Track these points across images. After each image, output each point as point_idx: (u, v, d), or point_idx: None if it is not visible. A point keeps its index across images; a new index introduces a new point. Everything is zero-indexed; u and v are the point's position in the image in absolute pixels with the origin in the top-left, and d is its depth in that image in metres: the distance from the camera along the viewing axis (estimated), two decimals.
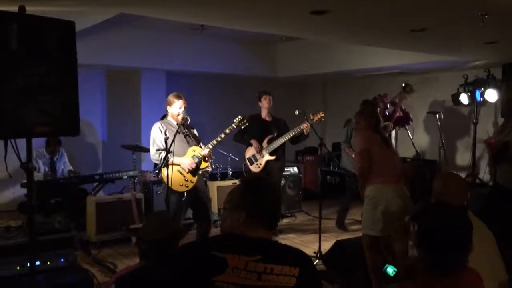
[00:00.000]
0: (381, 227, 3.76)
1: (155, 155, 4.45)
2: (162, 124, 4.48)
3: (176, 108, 4.47)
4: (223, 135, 4.54)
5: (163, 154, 4.33)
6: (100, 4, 3.74)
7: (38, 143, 5.96)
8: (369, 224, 3.88)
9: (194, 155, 4.45)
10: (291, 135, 5.44)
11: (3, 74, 2.35)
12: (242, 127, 4.83)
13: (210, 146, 4.49)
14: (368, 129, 4.08)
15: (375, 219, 3.80)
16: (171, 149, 4.19)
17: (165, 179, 4.28)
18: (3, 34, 2.34)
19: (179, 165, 4.37)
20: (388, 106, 6.38)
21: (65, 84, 2.60)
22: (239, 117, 4.78)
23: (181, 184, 4.40)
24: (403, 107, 6.44)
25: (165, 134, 4.37)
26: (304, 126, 5.27)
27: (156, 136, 4.44)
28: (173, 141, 4.20)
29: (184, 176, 4.41)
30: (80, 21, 4.34)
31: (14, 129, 2.43)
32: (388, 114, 6.31)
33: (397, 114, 6.33)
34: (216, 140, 4.51)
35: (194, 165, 4.40)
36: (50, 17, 2.64)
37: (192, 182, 4.43)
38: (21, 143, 2.50)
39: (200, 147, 4.54)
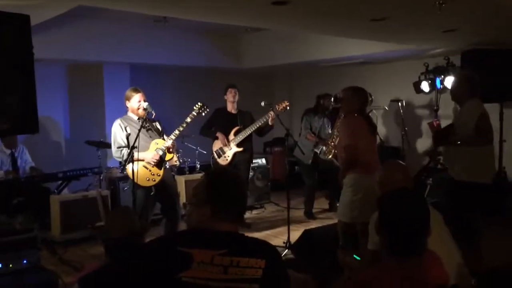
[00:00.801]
0: (356, 214, 3.80)
1: (116, 153, 4.39)
2: (122, 121, 4.42)
3: (135, 102, 4.41)
4: (184, 125, 4.51)
5: (125, 151, 4.30)
6: None
7: None
8: (345, 211, 3.91)
9: (157, 148, 4.41)
10: (258, 125, 5.46)
11: None
12: (203, 113, 4.76)
13: (173, 137, 4.45)
14: (357, 114, 3.94)
15: (352, 207, 3.83)
16: (136, 145, 4.13)
17: (131, 176, 4.22)
18: None
19: (143, 160, 4.31)
20: None
21: (22, 80, 2.53)
22: (199, 103, 4.71)
23: (148, 178, 4.34)
24: None
25: (126, 131, 4.32)
26: (269, 115, 5.29)
27: (117, 133, 4.38)
28: (137, 136, 4.15)
29: (150, 170, 4.36)
30: (37, 15, 4.19)
31: None
32: None
33: None
34: (178, 130, 4.47)
35: (157, 157, 4.35)
36: (2, 11, 2.54)
37: (159, 176, 4.38)
38: None
39: (163, 139, 4.49)
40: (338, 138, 4.80)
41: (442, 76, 6.74)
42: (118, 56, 7.15)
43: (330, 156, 5.92)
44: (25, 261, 3.31)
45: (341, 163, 4.16)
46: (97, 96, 7.64)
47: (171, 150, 4.45)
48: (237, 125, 5.60)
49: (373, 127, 4.09)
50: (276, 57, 8.09)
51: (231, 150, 5.54)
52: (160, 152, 4.39)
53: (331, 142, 5.90)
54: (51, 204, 5.36)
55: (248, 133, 5.51)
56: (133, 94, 4.44)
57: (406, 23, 4.67)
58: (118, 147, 4.36)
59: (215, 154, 5.62)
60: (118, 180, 5.88)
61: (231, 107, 5.72)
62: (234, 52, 8.59)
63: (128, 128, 4.36)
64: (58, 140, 7.84)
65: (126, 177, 5.83)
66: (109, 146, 6.37)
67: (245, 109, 5.88)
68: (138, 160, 4.20)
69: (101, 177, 6.00)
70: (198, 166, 6.82)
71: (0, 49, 2.46)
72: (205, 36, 7.92)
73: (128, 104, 4.47)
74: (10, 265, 3.23)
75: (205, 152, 6.69)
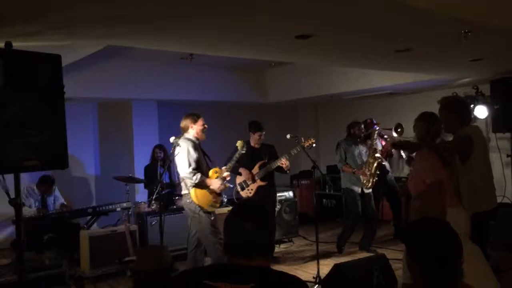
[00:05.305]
0: None
1: (189, 175, 4.27)
2: (191, 142, 4.41)
3: (201, 125, 4.49)
4: (235, 159, 4.71)
5: (199, 175, 4.29)
6: (86, 37, 3.75)
7: (32, 177, 5.93)
8: None
9: (218, 176, 4.45)
10: (278, 163, 5.47)
11: None
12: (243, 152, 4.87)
13: (229, 169, 4.61)
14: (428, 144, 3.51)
15: None
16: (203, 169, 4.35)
17: (196, 200, 4.28)
18: None
19: (208, 186, 4.34)
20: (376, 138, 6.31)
21: (53, 117, 2.59)
22: (240, 142, 4.83)
23: (210, 204, 4.39)
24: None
25: (196, 153, 4.39)
26: (282, 161, 5.35)
27: (191, 153, 4.32)
28: (205, 157, 4.40)
29: (214, 198, 4.42)
30: (68, 55, 4.36)
31: (2, 165, 2.41)
32: (380, 148, 6.31)
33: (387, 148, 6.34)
34: (231, 164, 4.66)
35: (223, 187, 4.45)
36: (36, 52, 2.65)
37: (218, 204, 4.46)
38: (9, 177, 2.46)
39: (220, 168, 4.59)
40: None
41: (472, 106, 6.62)
42: (145, 93, 7.32)
43: (369, 186, 5.84)
44: None
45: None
46: (126, 132, 7.80)
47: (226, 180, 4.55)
48: (262, 159, 5.60)
49: (445, 160, 3.49)
50: (300, 91, 8.14)
51: (255, 183, 5.53)
52: (224, 182, 4.49)
53: (367, 171, 5.83)
54: (80, 239, 5.39)
55: (272, 168, 5.51)
56: (197, 118, 4.50)
57: (431, 53, 4.63)
58: (194, 169, 4.30)
59: (238, 187, 5.62)
60: (146, 215, 5.91)
61: (254, 143, 5.70)
62: (259, 86, 8.68)
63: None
64: (88, 177, 7.98)
65: (153, 212, 5.90)
66: (136, 181, 6.46)
67: (271, 142, 5.87)
68: (202, 184, 4.28)
69: (130, 212, 6.05)
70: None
71: (33, 88, 2.53)
72: (230, 71, 8.07)
73: (194, 126, 4.47)
74: None
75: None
